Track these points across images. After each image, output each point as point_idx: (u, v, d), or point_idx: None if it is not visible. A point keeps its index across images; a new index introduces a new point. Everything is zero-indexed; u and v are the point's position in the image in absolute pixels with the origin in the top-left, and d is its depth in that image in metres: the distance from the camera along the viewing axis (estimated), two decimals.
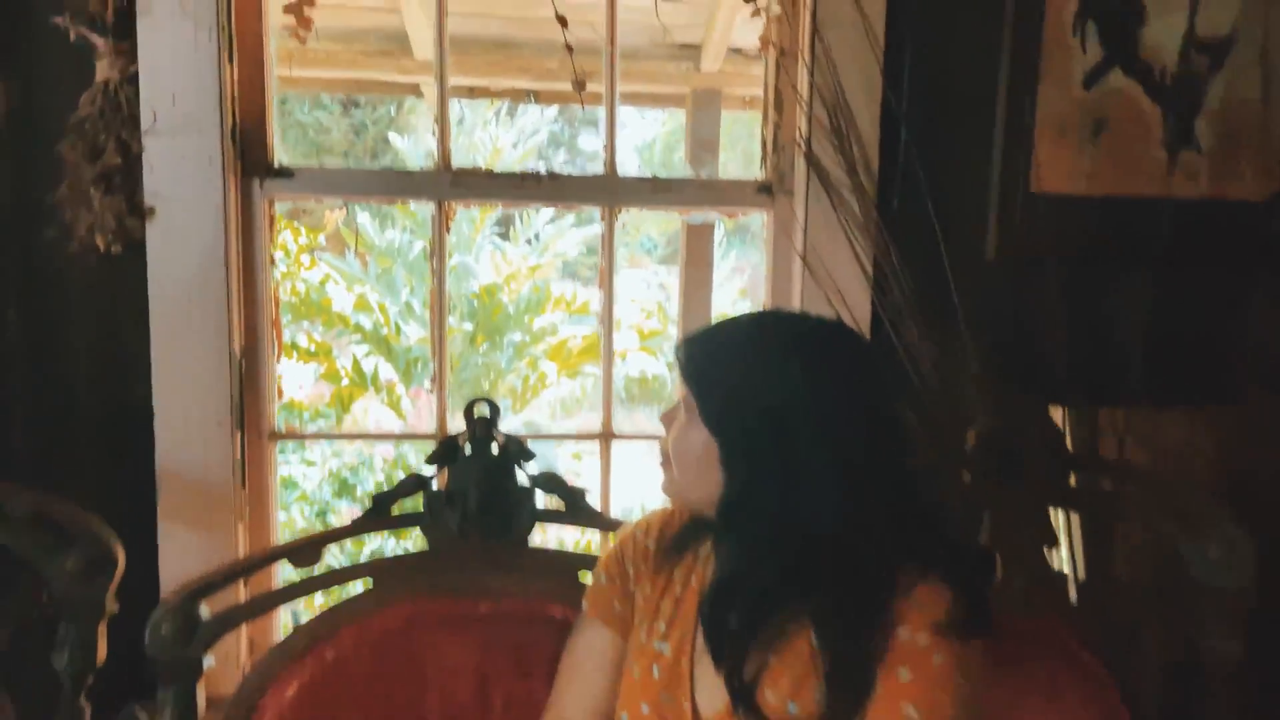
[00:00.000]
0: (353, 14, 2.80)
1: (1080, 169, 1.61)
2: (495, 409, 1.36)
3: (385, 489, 1.34)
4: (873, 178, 1.58)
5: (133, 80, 1.46)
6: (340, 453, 3.96)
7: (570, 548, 2.78)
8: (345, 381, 4.59)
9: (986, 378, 1.54)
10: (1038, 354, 1.62)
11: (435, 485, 1.36)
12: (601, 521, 1.39)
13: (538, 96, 3.56)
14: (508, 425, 1.45)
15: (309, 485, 3.82)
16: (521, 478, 1.36)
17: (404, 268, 5.30)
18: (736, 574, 0.98)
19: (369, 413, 4.76)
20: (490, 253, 5.85)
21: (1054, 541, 1.35)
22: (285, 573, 1.57)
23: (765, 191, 1.68)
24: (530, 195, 1.66)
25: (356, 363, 4.69)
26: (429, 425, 1.73)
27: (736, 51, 2.98)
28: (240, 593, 1.49)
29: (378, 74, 3.15)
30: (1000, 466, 1.32)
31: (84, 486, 1.50)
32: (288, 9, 1.54)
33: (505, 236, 6.08)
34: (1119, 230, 1.63)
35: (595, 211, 1.71)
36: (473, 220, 5.63)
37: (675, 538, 1.11)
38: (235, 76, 1.53)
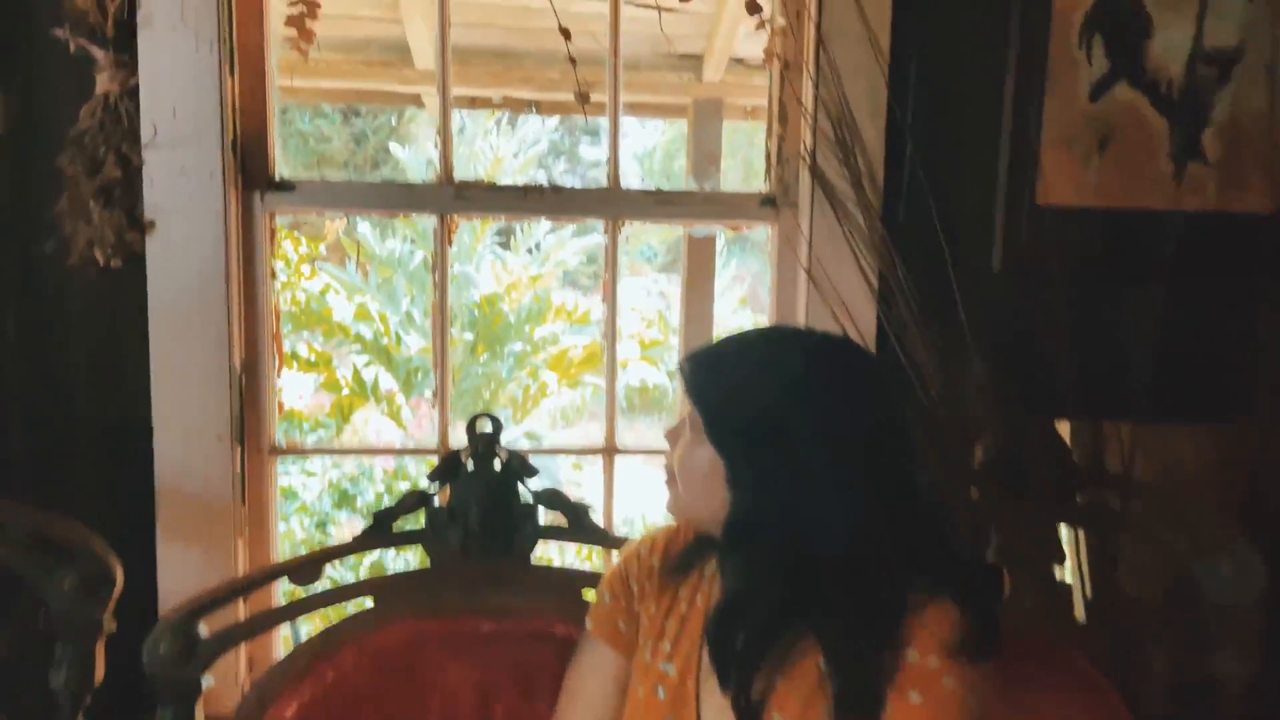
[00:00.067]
0: (354, 24, 2.80)
1: (1086, 181, 1.60)
2: (498, 424, 1.34)
3: (386, 501, 1.32)
4: (878, 190, 1.57)
5: (133, 93, 1.45)
6: (340, 463, 3.95)
7: (571, 559, 2.76)
8: (345, 391, 4.59)
9: (993, 392, 1.52)
10: (1044, 367, 1.60)
11: (437, 502, 1.35)
12: (605, 539, 1.38)
13: (539, 107, 3.56)
14: (508, 434, 1.44)
15: (309, 496, 3.80)
16: (524, 494, 1.35)
17: (405, 277, 5.31)
18: (743, 593, 0.97)
19: (369, 422, 4.76)
20: (491, 262, 5.87)
21: (1061, 558, 1.34)
22: (285, 585, 1.55)
23: (770, 204, 1.67)
24: (533, 208, 1.65)
25: (357, 372, 4.69)
26: (429, 435, 1.72)
27: (738, 62, 2.99)
28: (240, 611, 1.48)
29: (379, 84, 3.16)
30: (1007, 482, 1.31)
31: (82, 501, 1.49)
32: (289, 21, 1.53)
33: (506, 246, 6.10)
34: (1126, 243, 1.62)
35: (597, 222, 1.70)
36: (474, 230, 5.65)
37: (680, 556, 1.09)
38: (236, 89, 1.52)
